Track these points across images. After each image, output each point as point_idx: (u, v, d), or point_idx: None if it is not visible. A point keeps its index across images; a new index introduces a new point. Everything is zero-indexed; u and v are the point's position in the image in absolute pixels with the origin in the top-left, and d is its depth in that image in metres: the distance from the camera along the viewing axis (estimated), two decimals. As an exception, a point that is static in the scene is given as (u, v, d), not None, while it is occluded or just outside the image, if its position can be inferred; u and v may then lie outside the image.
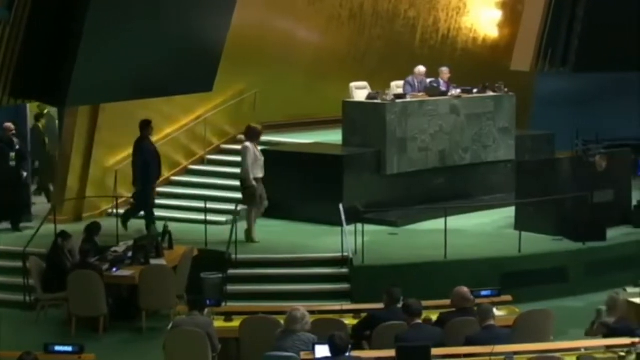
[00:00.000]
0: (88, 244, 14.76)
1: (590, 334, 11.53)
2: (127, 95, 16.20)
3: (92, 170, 18.38)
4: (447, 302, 11.93)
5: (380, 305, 11.79)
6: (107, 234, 15.92)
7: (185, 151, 19.74)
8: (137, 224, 16.70)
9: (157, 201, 18.60)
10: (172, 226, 15.80)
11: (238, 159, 19.33)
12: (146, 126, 16.82)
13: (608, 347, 10.66)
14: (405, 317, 10.95)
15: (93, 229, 15.21)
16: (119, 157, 18.74)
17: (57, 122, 20.52)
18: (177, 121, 19.60)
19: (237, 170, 18.93)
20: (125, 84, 15.60)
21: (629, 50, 23.19)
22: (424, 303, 12.20)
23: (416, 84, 18.87)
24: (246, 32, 19.06)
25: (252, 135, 16.33)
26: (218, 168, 19.48)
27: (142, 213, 16.93)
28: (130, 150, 18.75)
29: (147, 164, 16.62)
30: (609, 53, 23.11)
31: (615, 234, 16.51)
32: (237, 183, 18.53)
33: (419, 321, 10.91)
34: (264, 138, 19.51)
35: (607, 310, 11.34)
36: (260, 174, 16.16)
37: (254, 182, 16.05)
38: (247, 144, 16.23)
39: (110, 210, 18.18)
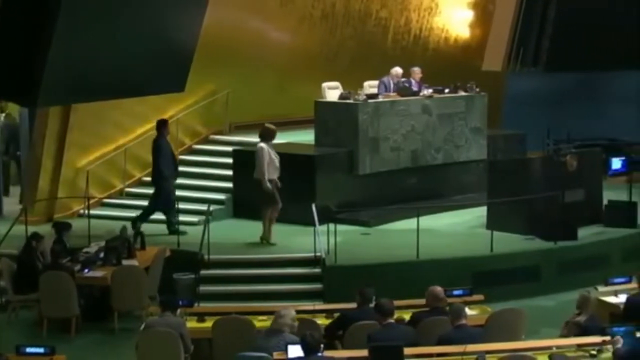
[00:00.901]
0: (59, 244, 14.68)
1: (563, 335, 11.55)
2: (98, 95, 16.12)
3: (63, 171, 18.32)
4: (420, 301, 11.98)
5: (353, 305, 11.80)
6: (78, 234, 15.85)
7: (157, 152, 19.68)
8: (109, 225, 16.63)
9: (129, 202, 18.63)
10: (144, 227, 15.75)
11: (209, 159, 19.49)
12: (163, 126, 16.81)
13: (579, 346, 10.72)
14: (377, 317, 10.97)
15: (61, 227, 15.13)
16: (91, 158, 18.71)
17: (18, 122, 20.35)
18: (149, 121, 19.51)
19: (209, 171, 19.07)
20: (97, 85, 15.52)
21: (599, 50, 23.34)
22: (397, 302, 12.23)
23: (391, 84, 18.88)
24: (218, 33, 19.03)
25: (267, 135, 16.19)
26: (190, 168, 19.41)
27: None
28: (101, 151, 18.77)
29: (164, 163, 16.57)
30: (580, 53, 23.25)
31: (586, 233, 16.59)
32: (210, 183, 18.64)
33: (391, 321, 10.93)
34: (235, 138, 19.65)
35: (578, 308, 11.38)
36: (275, 175, 16.02)
37: (269, 184, 15.92)
38: (262, 144, 16.06)
39: (81, 211, 18.11)
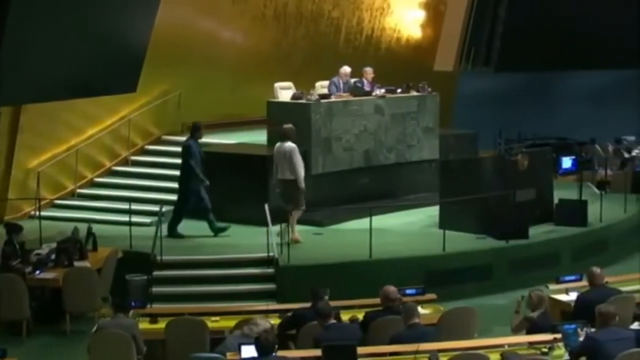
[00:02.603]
0: (9, 246, 14.54)
1: (515, 328, 11.62)
2: (50, 96, 16.02)
3: (13, 172, 18.17)
4: (373, 300, 12.00)
5: (306, 305, 11.80)
6: (30, 236, 15.71)
7: (109, 152, 19.59)
8: (61, 226, 16.51)
9: (81, 203, 18.51)
10: (96, 228, 15.64)
11: (161, 159, 19.43)
12: (197, 130, 16.62)
13: (531, 344, 10.81)
14: (319, 320, 10.97)
15: (12, 229, 14.98)
16: (42, 159, 18.56)
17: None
18: (100, 122, 19.45)
19: (161, 171, 19.01)
20: (48, 85, 15.42)
21: (550, 50, 23.58)
22: (350, 302, 12.32)
23: (341, 84, 18.90)
24: (170, 33, 18.98)
25: (293, 135, 16.14)
26: (142, 169, 19.36)
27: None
28: (52, 152, 18.62)
29: (194, 165, 16.39)
30: (531, 53, 23.46)
31: (538, 232, 16.71)
32: (162, 184, 18.58)
33: (333, 321, 10.94)
34: (188, 139, 19.54)
35: (530, 306, 11.45)
36: None
37: (303, 185, 15.88)
38: (293, 145, 16.02)
39: (32, 213, 17.97)
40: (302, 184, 15.91)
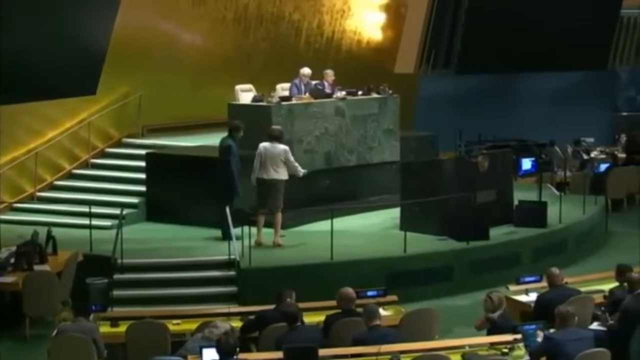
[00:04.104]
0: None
1: (477, 326, 11.69)
2: (9, 99, 15.90)
3: (-27, 175, 18.06)
4: (334, 302, 12.01)
5: (267, 307, 11.81)
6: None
7: (69, 155, 19.47)
8: (20, 229, 16.40)
9: (40, 206, 18.41)
10: (56, 231, 15.55)
11: (122, 162, 19.33)
12: (236, 130, 16.45)
13: (492, 344, 10.87)
14: (287, 322, 10.98)
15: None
16: (1, 162, 18.42)
17: None
18: (60, 125, 19.33)
19: (122, 174, 18.93)
20: (7, 88, 15.31)
21: (509, 52, 23.70)
22: (312, 304, 12.32)
23: (302, 86, 18.91)
24: (130, 35, 18.91)
25: (282, 136, 16.31)
26: (103, 172, 19.27)
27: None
28: (11, 155, 18.50)
29: (234, 163, 16.26)
30: (491, 55, 23.57)
31: (498, 233, 16.79)
32: (123, 187, 18.50)
33: (299, 323, 10.96)
34: (148, 141, 19.52)
35: (490, 307, 11.51)
36: None
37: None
38: (286, 146, 16.20)
39: (-8, 216, 17.87)
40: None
